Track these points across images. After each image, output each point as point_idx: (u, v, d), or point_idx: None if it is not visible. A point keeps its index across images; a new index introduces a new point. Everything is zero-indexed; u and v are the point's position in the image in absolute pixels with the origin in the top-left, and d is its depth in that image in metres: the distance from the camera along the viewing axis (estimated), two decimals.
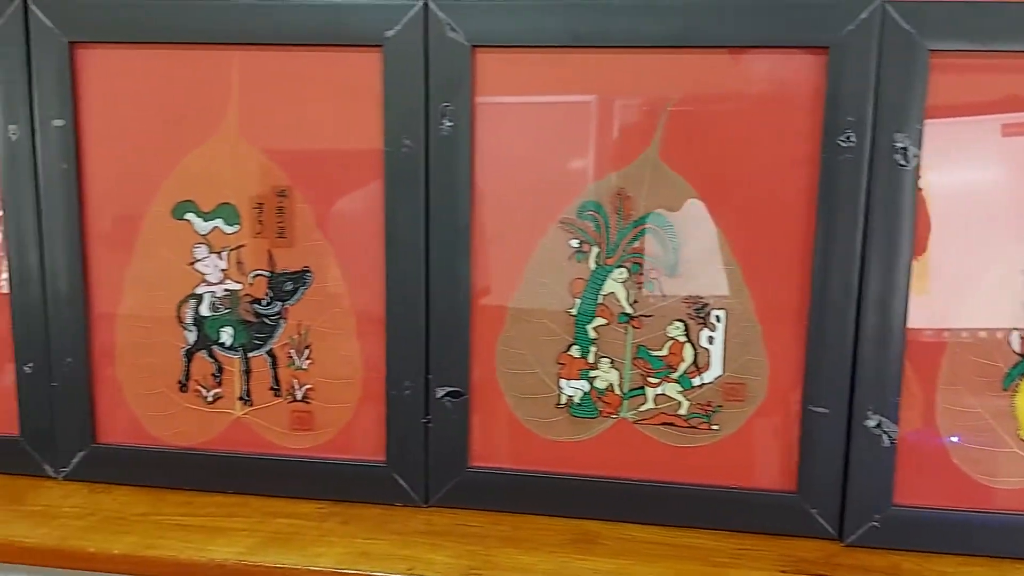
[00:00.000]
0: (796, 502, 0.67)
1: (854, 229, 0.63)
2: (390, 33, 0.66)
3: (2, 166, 0.72)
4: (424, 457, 0.71)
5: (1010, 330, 0.64)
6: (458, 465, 0.71)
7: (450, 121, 0.67)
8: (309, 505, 0.73)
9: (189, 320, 0.73)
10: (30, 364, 0.75)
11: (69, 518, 0.71)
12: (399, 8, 0.66)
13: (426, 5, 0.66)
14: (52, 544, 0.67)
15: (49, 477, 0.77)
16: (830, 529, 0.67)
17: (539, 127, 0.67)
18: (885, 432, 0.65)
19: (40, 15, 0.70)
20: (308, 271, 0.71)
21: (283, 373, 0.73)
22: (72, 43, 0.70)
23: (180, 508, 0.72)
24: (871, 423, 0.65)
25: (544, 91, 0.67)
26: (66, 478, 0.76)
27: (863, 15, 0.61)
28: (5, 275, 0.74)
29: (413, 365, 0.70)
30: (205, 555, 0.65)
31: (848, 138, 0.62)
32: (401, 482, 0.72)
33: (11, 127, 0.71)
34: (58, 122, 0.71)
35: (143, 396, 0.75)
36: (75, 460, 0.76)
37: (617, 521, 0.69)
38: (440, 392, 0.70)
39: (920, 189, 0.63)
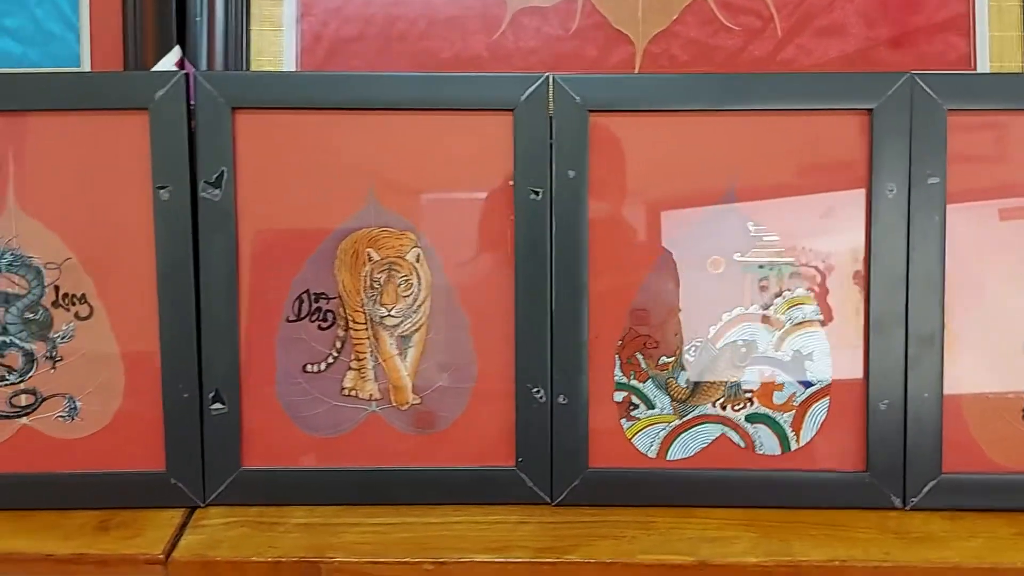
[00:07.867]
0: None
1: None
2: None
3: None
4: None
5: None
6: None
7: None
8: None
9: None
10: (885, 402, 0.81)
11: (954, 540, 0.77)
12: None
13: None
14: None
15: (894, 508, 0.82)
16: None
17: None
18: None
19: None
20: None
21: None
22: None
23: None
24: None
25: None
26: (913, 508, 0.82)
27: None
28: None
29: None
30: None
31: None
32: None
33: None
34: None
35: (987, 427, 0.82)
36: (924, 490, 0.82)
37: None
38: None
39: None
